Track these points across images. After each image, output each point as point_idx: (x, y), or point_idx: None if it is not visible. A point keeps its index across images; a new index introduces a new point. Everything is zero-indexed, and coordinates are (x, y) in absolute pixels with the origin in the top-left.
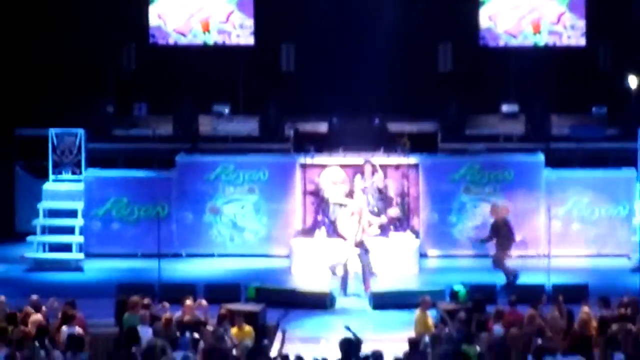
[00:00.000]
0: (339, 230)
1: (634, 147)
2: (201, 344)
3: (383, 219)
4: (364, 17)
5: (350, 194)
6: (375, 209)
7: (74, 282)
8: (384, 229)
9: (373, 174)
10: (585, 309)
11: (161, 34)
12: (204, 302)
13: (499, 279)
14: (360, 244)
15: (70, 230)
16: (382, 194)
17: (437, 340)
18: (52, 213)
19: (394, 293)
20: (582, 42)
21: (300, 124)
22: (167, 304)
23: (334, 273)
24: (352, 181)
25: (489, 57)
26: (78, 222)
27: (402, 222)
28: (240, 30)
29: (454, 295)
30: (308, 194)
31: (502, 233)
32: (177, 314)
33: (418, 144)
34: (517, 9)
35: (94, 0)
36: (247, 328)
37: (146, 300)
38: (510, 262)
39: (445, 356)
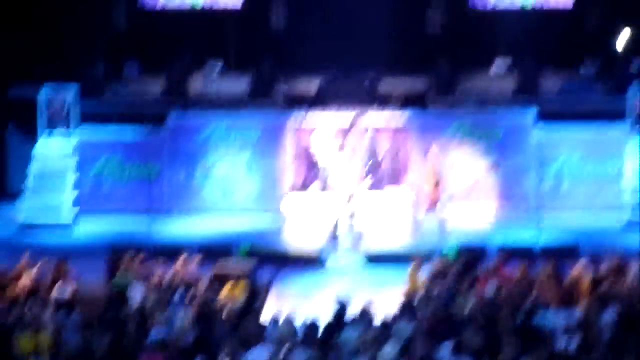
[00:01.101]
0: (331, 187)
1: (624, 104)
2: (194, 303)
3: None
4: None
5: (341, 153)
6: (366, 167)
7: (65, 243)
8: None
9: (364, 133)
10: (578, 266)
11: None
12: (196, 260)
13: (490, 238)
14: (351, 201)
15: (60, 190)
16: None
17: (428, 299)
18: (43, 173)
19: (386, 252)
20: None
21: (291, 82)
22: (160, 263)
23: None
24: (343, 140)
25: (478, 19)
26: (69, 181)
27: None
28: None
29: (446, 253)
30: (300, 153)
31: None
32: (170, 273)
33: (408, 103)
34: None
35: None
36: (239, 287)
37: (139, 259)
38: None
39: (436, 314)
